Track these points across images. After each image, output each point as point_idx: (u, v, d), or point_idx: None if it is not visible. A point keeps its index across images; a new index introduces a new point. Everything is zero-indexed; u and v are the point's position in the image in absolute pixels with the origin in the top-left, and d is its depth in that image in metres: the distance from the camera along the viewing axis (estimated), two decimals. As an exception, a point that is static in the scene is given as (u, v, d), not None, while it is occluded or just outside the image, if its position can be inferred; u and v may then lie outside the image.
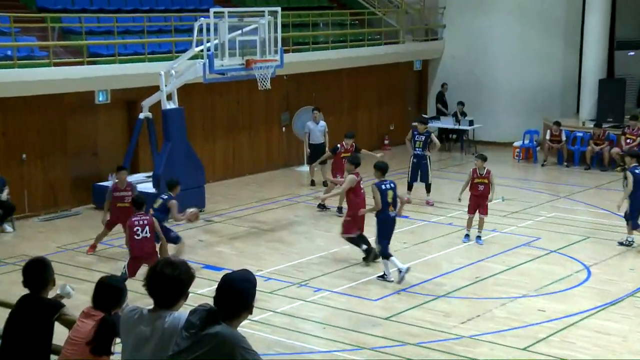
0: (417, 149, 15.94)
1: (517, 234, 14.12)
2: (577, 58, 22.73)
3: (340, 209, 15.21)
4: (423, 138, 15.87)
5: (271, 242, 13.64)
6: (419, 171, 15.96)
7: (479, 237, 13.52)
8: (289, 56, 18.13)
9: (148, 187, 15.05)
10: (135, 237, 10.69)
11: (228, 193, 17.53)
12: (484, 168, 13.43)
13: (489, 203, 13.46)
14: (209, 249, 13.34)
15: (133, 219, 10.79)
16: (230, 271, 4.59)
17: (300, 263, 12.55)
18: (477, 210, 13.49)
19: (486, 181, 13.39)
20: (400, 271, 11.32)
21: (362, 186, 12.47)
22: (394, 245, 13.27)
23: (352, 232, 12.20)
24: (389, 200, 11.46)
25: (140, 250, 10.74)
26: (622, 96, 20.90)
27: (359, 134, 20.70)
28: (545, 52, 22.84)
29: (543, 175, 19.88)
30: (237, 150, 19.20)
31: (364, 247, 12.24)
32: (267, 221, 14.92)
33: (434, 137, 16.07)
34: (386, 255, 11.55)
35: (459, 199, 13.64)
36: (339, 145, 15.44)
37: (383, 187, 11.53)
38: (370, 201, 12.21)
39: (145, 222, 10.74)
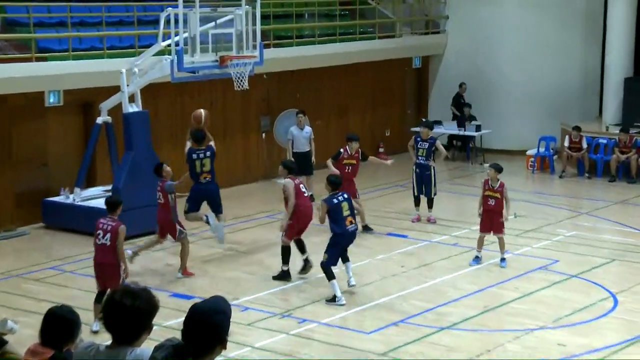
0: (419, 158, 15.96)
1: (532, 256, 14.13)
2: (599, 53, 22.89)
3: (366, 228, 15.24)
4: (427, 145, 15.90)
5: (249, 265, 13.59)
6: (422, 182, 15.98)
7: (502, 260, 13.53)
8: (270, 52, 18.14)
9: (106, 202, 14.97)
10: (97, 241, 10.77)
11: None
12: (497, 180, 13.44)
13: (504, 221, 13.44)
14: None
15: (101, 219, 10.86)
16: (200, 300, 4.54)
17: (283, 290, 12.51)
18: (491, 229, 13.48)
19: (498, 195, 13.40)
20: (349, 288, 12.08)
21: (303, 189, 12.81)
22: (390, 268, 13.29)
23: (289, 237, 12.63)
24: (345, 213, 11.84)
25: (99, 258, 10.74)
26: (651, 97, 21.07)
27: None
28: (563, 46, 22.98)
29: (561, 188, 19.95)
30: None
31: (285, 267, 12.72)
32: (244, 242, 14.88)
33: (439, 144, 16.09)
34: (330, 275, 11.88)
35: (479, 215, 13.66)
36: (341, 151, 15.34)
37: (335, 201, 11.89)
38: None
39: (110, 227, 10.67)
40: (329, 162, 15.24)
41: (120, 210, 10.94)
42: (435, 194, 16.02)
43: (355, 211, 12.55)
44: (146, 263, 13.64)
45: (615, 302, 12.01)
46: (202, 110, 14.34)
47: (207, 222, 13.90)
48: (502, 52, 23.25)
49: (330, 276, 11.89)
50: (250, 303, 11.91)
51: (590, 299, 12.12)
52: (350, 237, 12.02)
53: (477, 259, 13.62)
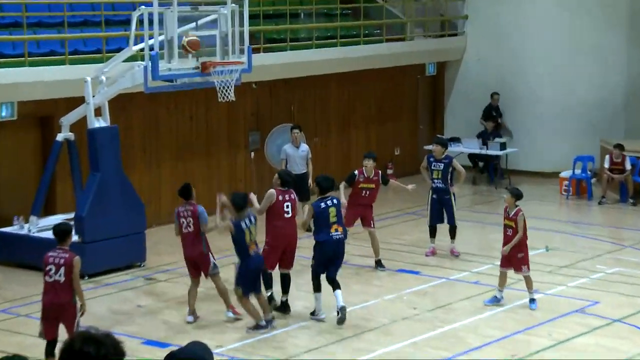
0: (435, 181, 15.96)
1: (566, 297, 14.09)
2: (645, 59, 22.97)
3: (379, 263, 15.31)
4: (442, 166, 15.91)
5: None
6: (442, 210, 15.93)
7: (532, 301, 13.47)
8: (260, 57, 18.18)
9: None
10: (47, 278, 10.64)
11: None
12: (515, 207, 13.41)
13: (515, 253, 13.41)
14: (150, 317, 13.19)
15: (49, 254, 10.73)
16: (178, 347, 4.51)
17: (275, 336, 12.45)
18: (511, 265, 13.46)
19: (513, 225, 13.36)
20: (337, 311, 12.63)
21: (287, 209, 12.92)
22: (401, 310, 13.24)
23: (270, 265, 12.93)
24: (332, 220, 12.42)
25: (50, 298, 10.65)
26: None
27: (353, 161, 20.78)
28: (603, 51, 23.04)
29: (601, 216, 19.93)
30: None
31: (269, 292, 13.06)
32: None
33: (456, 163, 16.12)
34: (316, 286, 12.51)
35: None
36: (356, 173, 15.34)
37: (322, 205, 12.52)
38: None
39: (62, 260, 10.61)
40: (341, 186, 15.24)
41: (71, 240, 10.91)
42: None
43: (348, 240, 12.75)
44: (112, 304, 13.59)
45: (666, 350, 11.96)
46: None
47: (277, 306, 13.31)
48: (531, 58, 23.30)
49: (315, 288, 12.58)
50: (236, 352, 11.83)
51: (637, 347, 12.07)
52: (335, 245, 12.56)
53: (494, 299, 13.58)
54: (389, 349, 11.97)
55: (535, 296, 13.57)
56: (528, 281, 13.50)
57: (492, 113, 23.21)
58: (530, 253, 15.95)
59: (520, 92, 23.21)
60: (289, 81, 20.55)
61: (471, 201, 20.94)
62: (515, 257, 13.38)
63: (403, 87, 23.77)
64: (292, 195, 13.14)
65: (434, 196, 15.99)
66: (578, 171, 21.57)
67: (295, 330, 12.71)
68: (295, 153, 17.54)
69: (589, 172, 21.56)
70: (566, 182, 21.45)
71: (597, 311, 13.39)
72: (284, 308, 13.14)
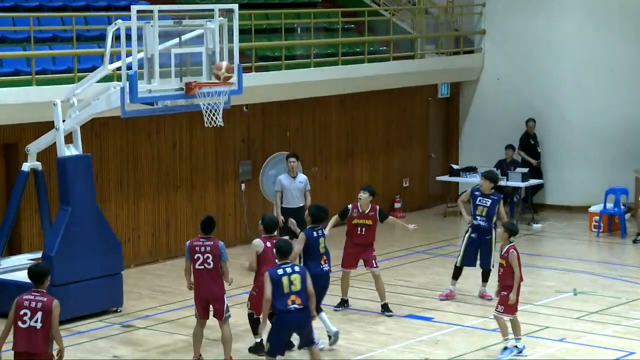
0: (478, 218, 15.93)
1: (598, 346, 14.09)
2: (683, 81, 23.10)
3: (385, 307, 15.43)
4: (489, 202, 15.87)
5: (221, 357, 13.56)
6: (478, 251, 15.92)
7: (512, 348, 13.42)
8: (252, 77, 18.29)
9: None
10: (21, 324, 10.59)
11: (158, 284, 17.45)
12: (509, 243, 13.44)
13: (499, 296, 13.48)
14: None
15: (24, 297, 10.70)
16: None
17: (268, 391, 12.47)
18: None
19: (504, 263, 13.43)
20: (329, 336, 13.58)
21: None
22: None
23: (255, 308, 13.23)
24: (322, 250, 13.27)
25: (24, 346, 10.60)
26: None
27: (356, 193, 20.73)
28: (637, 73, 23.16)
29: (636, 255, 19.96)
30: (172, 219, 19.20)
31: (258, 337, 13.32)
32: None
33: (502, 204, 16.00)
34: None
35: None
36: (349, 207, 15.49)
37: (315, 234, 12.99)
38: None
39: (40, 305, 10.60)
40: (333, 218, 15.40)
41: (48, 282, 10.88)
42: (493, 266, 15.92)
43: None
44: (84, 355, 13.59)
45: None
46: None
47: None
48: (558, 78, 23.43)
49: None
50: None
51: (676, 402, 12.09)
52: (327, 277, 13.55)
53: (506, 350, 13.48)
54: (396, 405, 11.97)
55: (553, 347, 13.44)
56: (514, 324, 13.46)
57: (529, 141, 23.18)
58: (558, 297, 16.13)
59: (545, 116, 23.31)
60: (284, 104, 20.65)
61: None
62: (500, 294, 13.46)
63: (413, 110, 23.88)
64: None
65: (473, 235, 15.97)
66: (610, 205, 21.60)
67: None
68: (291, 184, 17.60)
69: (622, 207, 21.60)
70: (597, 218, 21.48)
71: (632, 362, 13.42)
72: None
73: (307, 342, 12.24)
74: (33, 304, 10.56)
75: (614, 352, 13.79)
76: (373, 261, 15.40)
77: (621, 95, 23.15)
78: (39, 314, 10.51)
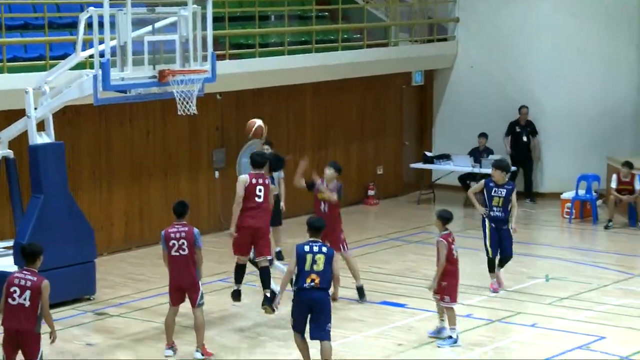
0: (495, 209, 15.83)
1: (569, 331, 14.17)
2: (657, 65, 23.21)
3: (361, 290, 15.51)
4: (504, 192, 15.77)
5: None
6: (498, 240, 15.86)
7: (448, 337, 13.52)
8: (225, 65, 18.25)
9: (8, 263, 14.93)
10: (10, 300, 10.78)
11: (131, 272, 17.41)
12: (444, 230, 13.63)
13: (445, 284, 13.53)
14: (101, 357, 13.18)
15: (15, 275, 10.94)
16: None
17: (241, 378, 12.51)
18: None
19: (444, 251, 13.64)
20: None
21: (258, 192, 13.70)
22: (384, 348, 13.30)
23: (235, 251, 13.93)
24: (307, 267, 11.81)
25: (13, 323, 10.79)
26: None
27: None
28: (610, 60, 23.27)
29: (607, 242, 20.06)
30: (146, 207, 19.16)
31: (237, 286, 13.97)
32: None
33: (515, 194, 15.93)
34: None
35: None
36: (319, 181, 15.55)
37: (306, 248, 11.95)
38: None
39: (30, 283, 10.78)
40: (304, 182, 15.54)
41: (41, 263, 11.06)
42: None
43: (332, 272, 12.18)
44: (58, 343, 13.53)
45: (679, 390, 12.07)
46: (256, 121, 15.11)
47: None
48: (530, 65, 23.50)
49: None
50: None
51: (646, 387, 12.17)
52: (307, 296, 11.82)
53: (450, 339, 13.54)
54: (369, 391, 12.01)
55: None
56: (449, 315, 13.56)
57: (515, 129, 23.05)
58: (530, 283, 16.20)
59: (517, 104, 23.34)
60: (258, 92, 20.62)
61: (462, 225, 21.00)
62: (440, 285, 13.50)
63: (387, 98, 23.90)
64: (266, 180, 13.87)
65: (493, 225, 15.86)
66: (582, 192, 21.72)
67: (263, 370, 12.74)
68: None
69: (594, 193, 21.72)
70: (569, 204, 21.59)
71: (603, 347, 13.43)
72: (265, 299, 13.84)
73: (318, 332, 11.85)
74: (23, 282, 10.76)
75: (585, 337, 13.87)
76: (341, 245, 15.29)
77: (593, 82, 23.23)
78: (28, 292, 10.71)
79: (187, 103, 14.64)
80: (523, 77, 23.52)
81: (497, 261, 16.02)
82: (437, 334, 13.74)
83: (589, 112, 23.21)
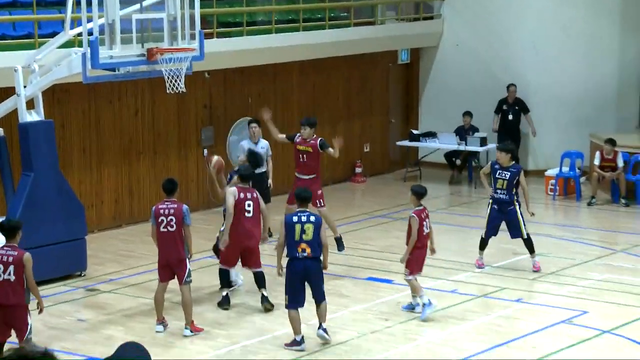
0: (498, 191, 15.76)
1: (553, 306, 14.28)
2: (638, 49, 23.21)
3: (339, 241, 15.88)
4: (508, 175, 15.70)
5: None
6: (504, 223, 15.82)
7: (414, 305, 13.86)
8: (213, 43, 18.24)
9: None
10: None
11: (121, 248, 17.44)
12: (419, 206, 13.80)
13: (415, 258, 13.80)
14: (92, 332, 13.24)
15: None
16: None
17: (231, 352, 12.54)
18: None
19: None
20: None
21: (248, 207, 13.73)
22: (371, 323, 13.36)
23: (221, 260, 14.19)
24: (297, 237, 12.20)
25: (0, 298, 10.97)
26: None
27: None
28: (593, 39, 23.32)
29: (590, 218, 20.17)
30: (135, 185, 19.17)
31: (225, 291, 14.12)
32: (202, 286, 14.88)
33: (523, 176, 15.89)
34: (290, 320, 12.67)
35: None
36: (298, 134, 16.11)
37: (294, 219, 12.35)
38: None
39: (11, 258, 10.98)
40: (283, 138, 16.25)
41: (21, 236, 11.22)
42: (528, 234, 15.86)
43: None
44: (49, 318, 13.60)
45: (660, 363, 12.18)
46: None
47: None
48: (515, 44, 23.53)
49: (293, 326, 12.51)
50: (188, 370, 11.93)
51: (628, 360, 12.25)
52: (301, 266, 12.29)
53: (425, 306, 13.72)
54: (357, 365, 12.08)
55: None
56: (410, 286, 13.81)
57: (502, 107, 23.05)
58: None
59: (503, 82, 23.38)
60: (245, 70, 20.62)
61: (448, 202, 21.09)
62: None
63: (373, 76, 23.91)
64: (254, 193, 13.83)
65: (495, 206, 15.86)
66: (566, 169, 21.81)
67: (254, 344, 12.77)
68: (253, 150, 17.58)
69: (577, 170, 21.81)
70: (552, 181, 21.68)
71: (585, 322, 13.56)
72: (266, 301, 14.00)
73: (316, 295, 12.47)
74: (5, 258, 10.97)
75: (569, 311, 13.98)
76: (317, 200, 15.52)
77: (577, 62, 23.29)
78: (11, 267, 10.91)
79: (176, 81, 14.64)
80: (508, 55, 23.55)
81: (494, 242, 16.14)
82: (411, 309, 13.89)
83: (572, 91, 23.28)
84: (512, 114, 23.01)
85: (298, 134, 16.20)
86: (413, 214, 13.63)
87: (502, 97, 23.11)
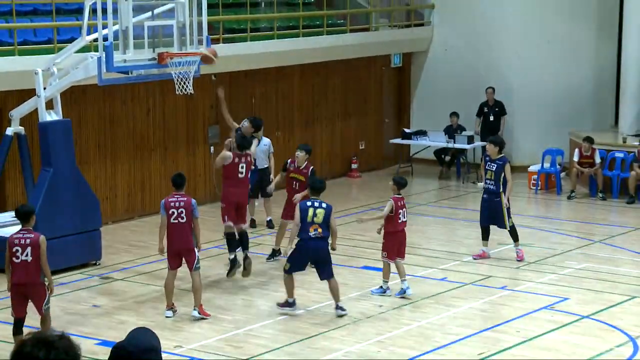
0: (487, 182, 15.64)
1: (535, 293, 14.26)
2: (615, 50, 23.18)
3: (273, 254, 15.74)
4: (494, 167, 15.56)
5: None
6: (490, 212, 15.65)
7: (386, 289, 14.03)
8: (220, 48, 18.13)
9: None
10: (15, 259, 11.36)
11: (134, 239, 17.39)
12: (398, 194, 14.02)
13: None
14: (106, 317, 13.21)
15: (13, 235, 11.51)
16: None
17: (236, 335, 12.51)
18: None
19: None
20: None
21: (241, 170, 14.40)
22: (365, 309, 13.32)
23: (223, 220, 14.45)
24: (309, 220, 12.90)
25: (19, 276, 11.35)
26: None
27: (317, 155, 20.82)
28: (572, 42, 23.27)
29: (570, 211, 20.13)
30: (147, 179, 19.11)
31: (231, 255, 14.41)
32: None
33: (508, 168, 15.69)
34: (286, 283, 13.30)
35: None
36: (288, 161, 15.72)
37: (308, 203, 13.11)
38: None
39: (28, 241, 11.33)
40: (279, 175, 16.01)
41: (35, 221, 11.60)
42: (512, 225, 15.69)
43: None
44: (66, 304, 13.56)
45: (636, 348, 12.12)
46: None
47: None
48: (499, 49, 23.47)
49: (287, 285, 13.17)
50: (197, 352, 11.87)
51: (606, 344, 12.23)
52: (313, 245, 12.91)
53: (379, 289, 14.04)
54: (353, 348, 12.03)
55: (495, 294, 13.58)
56: (384, 268, 14.06)
57: (483, 109, 22.87)
58: (500, 249, 16.24)
59: (488, 83, 23.31)
60: (249, 73, 20.56)
61: (437, 196, 21.04)
62: (383, 244, 14.00)
63: (368, 79, 23.85)
64: (248, 157, 14.54)
65: (485, 196, 15.77)
66: (547, 165, 21.77)
67: (257, 328, 12.74)
68: (256, 148, 17.48)
69: (558, 166, 21.77)
70: (535, 177, 21.64)
71: (566, 308, 13.56)
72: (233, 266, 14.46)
73: (325, 273, 13.02)
74: (22, 241, 11.32)
75: (550, 298, 13.96)
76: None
77: (556, 65, 23.24)
78: (29, 249, 11.27)
79: (185, 83, 14.60)
80: (492, 59, 23.48)
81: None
82: (403, 293, 13.91)
83: (553, 92, 23.23)
84: (492, 115, 22.89)
85: (290, 161, 15.64)
86: (391, 199, 13.99)
87: (484, 100, 23.03)
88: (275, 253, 15.66)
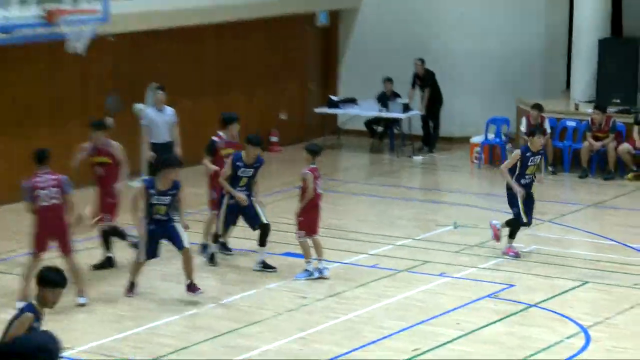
0: (527, 177, 15.50)
1: (477, 280, 14.30)
2: (566, 10, 23.35)
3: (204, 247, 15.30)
4: (538, 159, 15.45)
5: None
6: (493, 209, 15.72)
7: (313, 271, 14.20)
8: (119, 4, 17.91)
9: None
10: (42, 202, 12.67)
11: (16, 226, 17.05)
12: (312, 164, 14.20)
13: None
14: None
15: (35, 180, 12.74)
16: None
17: (137, 334, 12.39)
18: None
19: (302, 184, 14.22)
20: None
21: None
22: (286, 301, 13.30)
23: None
24: (241, 184, 14.01)
25: (48, 219, 12.59)
26: (635, 64, 21.53)
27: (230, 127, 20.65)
28: (521, 1, 23.35)
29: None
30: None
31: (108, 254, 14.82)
32: (80, 267, 14.62)
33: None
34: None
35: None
36: (215, 139, 15.27)
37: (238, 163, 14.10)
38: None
39: (51, 182, 12.65)
40: (205, 161, 15.17)
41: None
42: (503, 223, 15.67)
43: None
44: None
45: (588, 339, 12.21)
46: None
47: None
48: (439, 7, 23.50)
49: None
50: (91, 353, 11.71)
51: (556, 335, 12.29)
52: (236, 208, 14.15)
53: (305, 272, 14.19)
54: (271, 346, 11.96)
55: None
56: (302, 248, 14.22)
57: (415, 81, 22.83)
58: (438, 231, 16.29)
59: (426, 46, 23.36)
60: (153, 34, 20.30)
61: (369, 172, 21.08)
62: (298, 220, 14.14)
63: (290, 40, 23.77)
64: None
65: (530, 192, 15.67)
66: (491, 136, 21.89)
67: (162, 326, 12.60)
68: (158, 117, 17.32)
69: (503, 137, 21.89)
70: (478, 149, 21.75)
71: (511, 296, 13.60)
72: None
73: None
74: (49, 183, 12.72)
75: (494, 285, 14.03)
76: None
77: (501, 21, 23.40)
78: (54, 190, 12.73)
79: (78, 44, 14.46)
80: (431, 18, 23.52)
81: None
82: (320, 274, 14.16)
83: (496, 55, 23.35)
84: (424, 89, 22.88)
85: (214, 140, 15.31)
86: (307, 171, 14.04)
87: (404, 63, 22.97)
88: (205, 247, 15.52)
